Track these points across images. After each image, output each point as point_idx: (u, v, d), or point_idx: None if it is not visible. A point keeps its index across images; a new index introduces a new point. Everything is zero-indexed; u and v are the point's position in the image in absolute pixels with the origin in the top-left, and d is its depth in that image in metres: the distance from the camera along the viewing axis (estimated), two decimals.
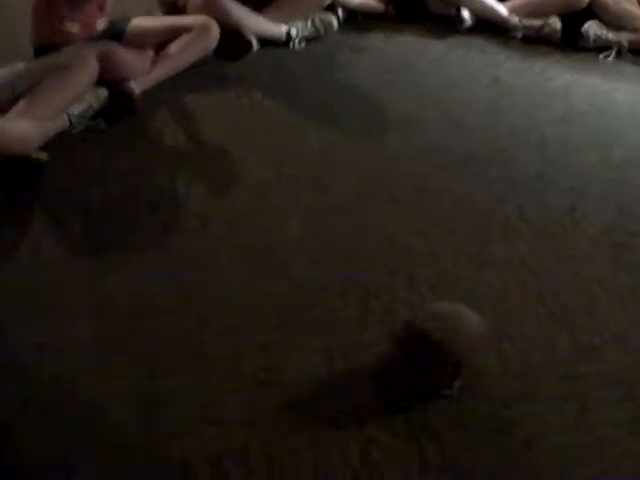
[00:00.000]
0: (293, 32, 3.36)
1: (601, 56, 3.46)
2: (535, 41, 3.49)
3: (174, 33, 3.03)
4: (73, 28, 2.82)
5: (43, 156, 2.55)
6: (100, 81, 2.83)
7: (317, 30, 3.42)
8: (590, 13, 3.52)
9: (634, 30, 3.49)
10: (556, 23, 3.50)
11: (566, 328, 2.13)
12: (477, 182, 2.72)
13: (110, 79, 2.85)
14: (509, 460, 1.78)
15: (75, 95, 2.71)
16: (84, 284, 2.23)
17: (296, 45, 3.36)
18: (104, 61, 2.79)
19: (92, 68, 2.76)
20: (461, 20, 3.51)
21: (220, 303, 2.18)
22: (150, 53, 3.04)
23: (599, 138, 2.99)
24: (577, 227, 2.52)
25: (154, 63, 3.02)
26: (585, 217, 2.56)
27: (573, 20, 3.51)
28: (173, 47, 3.02)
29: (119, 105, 2.87)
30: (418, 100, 3.18)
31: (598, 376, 2.00)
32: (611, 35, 3.48)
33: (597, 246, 2.44)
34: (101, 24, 2.91)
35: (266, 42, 3.29)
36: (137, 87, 2.91)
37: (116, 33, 2.96)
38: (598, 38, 3.47)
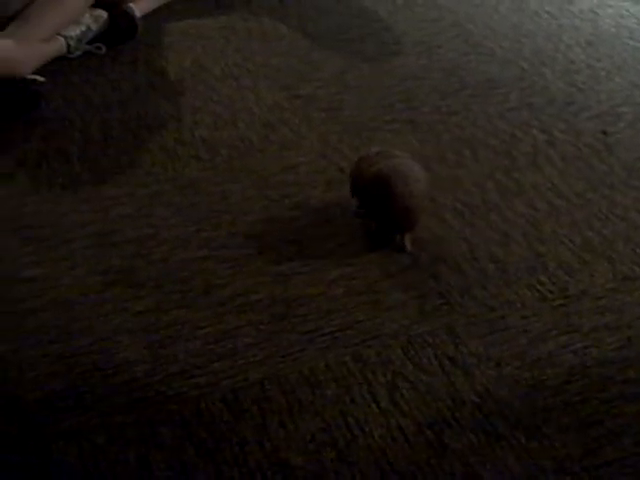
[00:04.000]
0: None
1: None
2: None
3: None
4: None
5: (40, 78, 2.39)
6: (98, 3, 2.67)
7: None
8: None
9: None
10: None
11: (603, 257, 1.99)
12: (499, 107, 2.56)
13: (109, 0, 2.68)
14: (547, 394, 1.64)
15: (71, 16, 2.54)
16: (84, 214, 2.08)
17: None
18: None
19: None
20: None
21: (232, 233, 2.03)
22: None
23: (628, 61, 2.82)
24: (611, 153, 2.36)
25: None
26: (618, 143, 2.41)
27: None
28: None
29: (120, 27, 2.70)
30: (435, 22, 3.01)
31: (638, 307, 1.86)
32: None
33: (632, 172, 2.29)
34: None
35: None
36: (137, 10, 2.74)
37: None
38: None
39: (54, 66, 2.55)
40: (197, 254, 1.96)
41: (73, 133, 2.36)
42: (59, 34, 2.56)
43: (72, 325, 1.77)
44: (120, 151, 2.31)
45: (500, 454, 1.53)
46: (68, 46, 2.58)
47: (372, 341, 1.76)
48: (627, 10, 3.12)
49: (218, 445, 1.54)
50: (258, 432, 1.56)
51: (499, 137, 2.42)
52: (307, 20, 3.01)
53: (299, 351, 1.73)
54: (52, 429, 1.55)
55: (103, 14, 2.66)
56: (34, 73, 2.43)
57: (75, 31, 2.59)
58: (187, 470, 1.50)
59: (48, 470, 1.49)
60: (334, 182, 2.21)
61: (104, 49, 2.68)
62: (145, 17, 2.83)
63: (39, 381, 1.64)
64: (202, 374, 1.67)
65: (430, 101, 2.58)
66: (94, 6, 2.65)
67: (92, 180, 2.20)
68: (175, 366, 1.69)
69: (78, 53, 2.63)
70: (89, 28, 2.62)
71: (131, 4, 2.72)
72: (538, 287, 1.90)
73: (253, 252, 1.98)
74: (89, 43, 2.66)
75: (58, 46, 2.55)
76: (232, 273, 1.91)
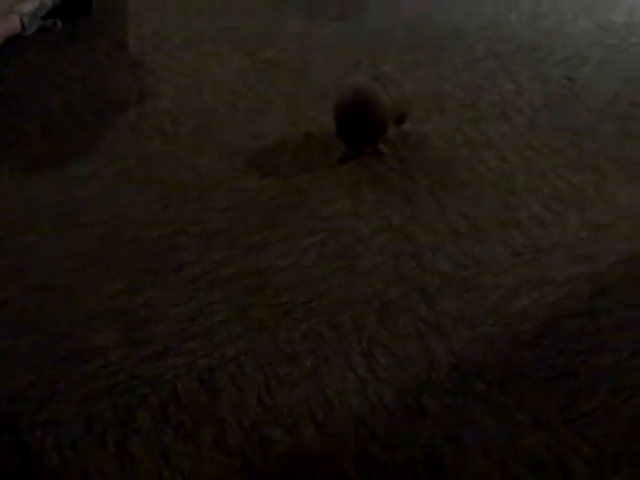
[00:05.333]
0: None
1: None
2: None
3: None
4: None
5: None
6: None
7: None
8: None
9: None
10: None
11: (574, 206, 1.98)
12: (466, 58, 2.54)
13: None
14: (521, 350, 1.64)
15: None
16: (49, 197, 2.05)
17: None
18: None
19: None
20: None
21: (201, 206, 2.01)
22: None
23: (595, 4, 2.79)
24: (578, 99, 2.34)
25: None
26: (586, 88, 2.39)
27: None
28: None
29: (76, 1, 2.64)
30: None
31: (611, 254, 1.85)
32: None
33: (601, 118, 2.27)
34: None
35: None
36: None
37: None
38: None
39: (8, 46, 2.49)
40: (166, 231, 1.94)
41: (32, 114, 2.32)
42: (12, 12, 2.50)
43: (44, 313, 1.76)
44: (82, 129, 2.27)
45: (477, 414, 1.54)
46: (22, 23, 2.53)
47: (347, 308, 1.75)
48: None
49: (197, 426, 1.53)
50: (236, 410, 1.56)
51: (466, 89, 2.40)
52: None
53: (274, 324, 1.72)
54: (28, 421, 1.54)
55: None
56: None
57: (28, 7, 2.53)
58: (167, 453, 1.49)
59: (27, 464, 1.48)
60: (302, 148, 2.19)
61: (60, 24, 2.63)
62: None
63: (13, 374, 1.63)
64: (177, 354, 1.66)
65: (396, 57, 2.55)
66: None
67: (55, 161, 2.16)
68: (150, 348, 1.68)
69: (33, 29, 2.58)
70: (43, 4, 2.57)
71: None
72: (510, 242, 1.89)
73: (223, 225, 1.96)
74: (44, 18, 2.60)
75: (12, 24, 2.49)
76: (203, 248, 1.90)
